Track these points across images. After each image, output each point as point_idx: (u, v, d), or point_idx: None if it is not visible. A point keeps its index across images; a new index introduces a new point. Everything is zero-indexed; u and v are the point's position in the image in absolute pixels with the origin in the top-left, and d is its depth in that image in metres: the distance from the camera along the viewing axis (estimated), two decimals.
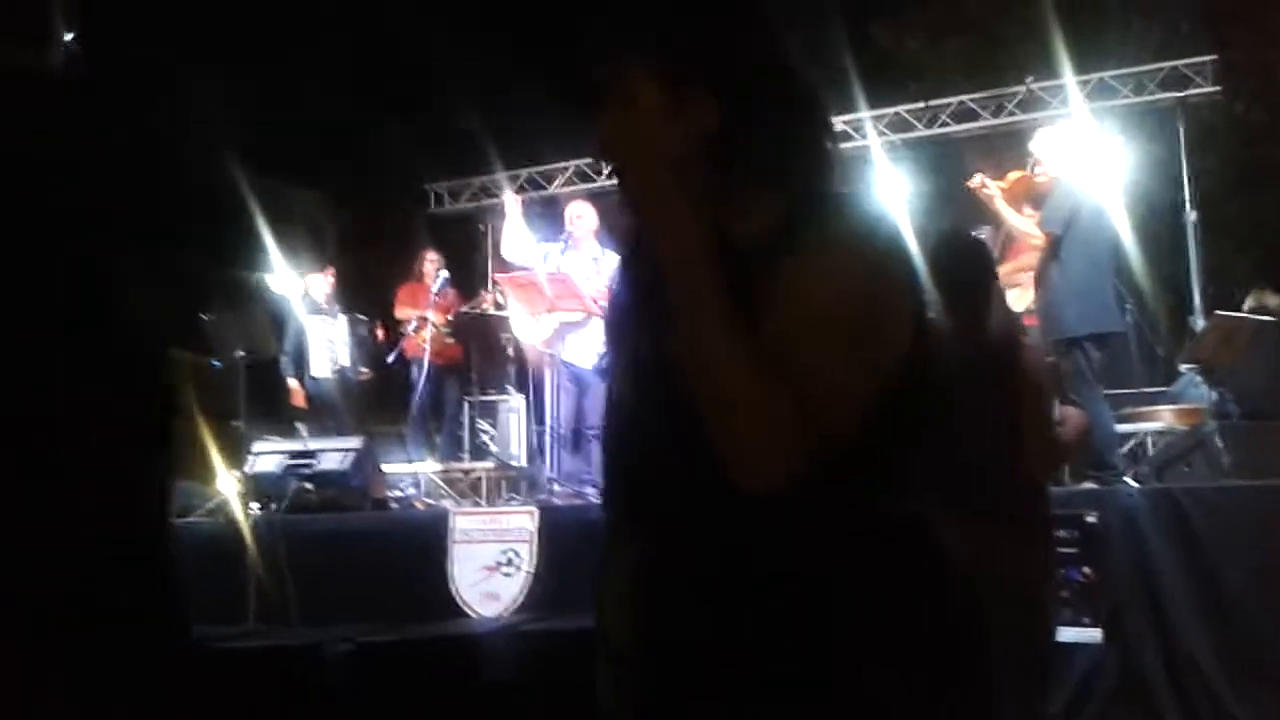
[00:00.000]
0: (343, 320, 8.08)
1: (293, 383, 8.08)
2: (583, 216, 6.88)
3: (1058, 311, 5.46)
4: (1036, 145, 5.93)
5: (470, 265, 10.37)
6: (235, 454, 7.06)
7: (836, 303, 1.29)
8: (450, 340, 8.33)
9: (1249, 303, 7.83)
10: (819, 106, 1.47)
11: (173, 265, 1.85)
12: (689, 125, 1.38)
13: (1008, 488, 3.39)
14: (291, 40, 10.94)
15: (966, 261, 3.66)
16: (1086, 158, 5.88)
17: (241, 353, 7.53)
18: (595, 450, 6.18)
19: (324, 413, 7.98)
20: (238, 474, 6.56)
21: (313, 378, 7.94)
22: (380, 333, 8.54)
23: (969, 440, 3.40)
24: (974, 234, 4.63)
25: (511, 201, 7.52)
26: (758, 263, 1.33)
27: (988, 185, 5.88)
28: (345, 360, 8.00)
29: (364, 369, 8.18)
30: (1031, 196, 6.04)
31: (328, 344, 7.96)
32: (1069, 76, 9.46)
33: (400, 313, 8.49)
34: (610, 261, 6.83)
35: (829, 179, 1.45)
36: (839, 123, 10.19)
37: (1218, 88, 9.30)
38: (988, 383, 3.43)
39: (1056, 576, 3.49)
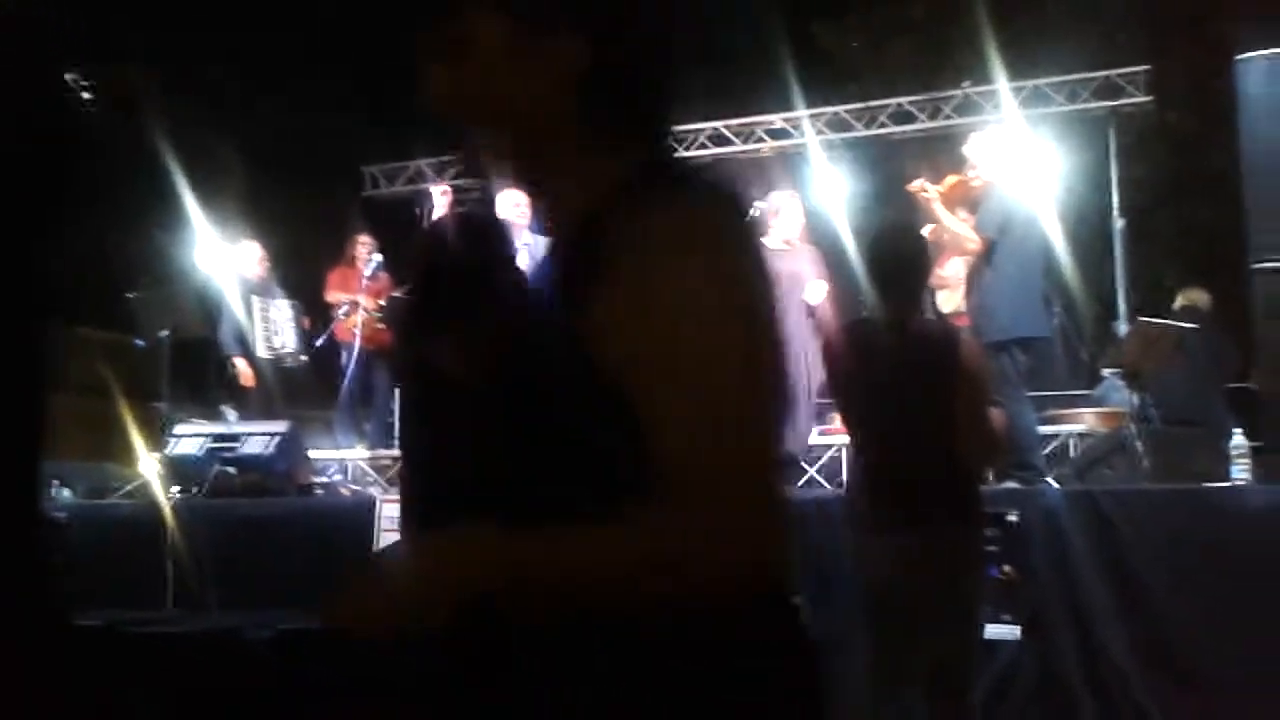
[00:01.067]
0: (284, 303, 7.96)
1: (240, 362, 7.90)
2: (517, 205, 6.84)
3: (989, 314, 5.52)
4: (970, 150, 6.00)
5: (405, 250, 10.25)
6: (157, 435, 6.93)
7: (702, 333, 1.03)
8: (382, 326, 8.23)
9: (1179, 301, 8.00)
10: (676, 54, 1.24)
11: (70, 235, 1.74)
12: (551, 70, 1.15)
13: (942, 482, 3.42)
14: (221, 15, 10.73)
15: (910, 251, 3.73)
16: (1019, 163, 5.96)
17: (165, 332, 7.37)
18: None
19: (260, 395, 7.85)
20: (158, 456, 6.43)
21: (257, 358, 7.81)
22: (305, 320, 8.40)
23: (901, 433, 3.44)
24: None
25: (439, 194, 7.47)
26: (590, 249, 1.10)
27: (927, 189, 5.94)
28: (290, 343, 7.88)
29: (304, 355, 8.07)
30: (966, 200, 6.10)
31: (262, 324, 7.83)
32: (1003, 83, 9.58)
33: (331, 297, 8.36)
34: (540, 248, 6.82)
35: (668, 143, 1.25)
36: (777, 120, 10.35)
37: (1149, 97, 9.48)
38: (924, 374, 3.47)
39: (985, 573, 3.53)
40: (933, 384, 3.48)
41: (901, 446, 3.45)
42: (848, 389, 3.67)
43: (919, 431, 3.43)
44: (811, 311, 6.31)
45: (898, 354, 3.53)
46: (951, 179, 6.26)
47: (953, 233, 5.77)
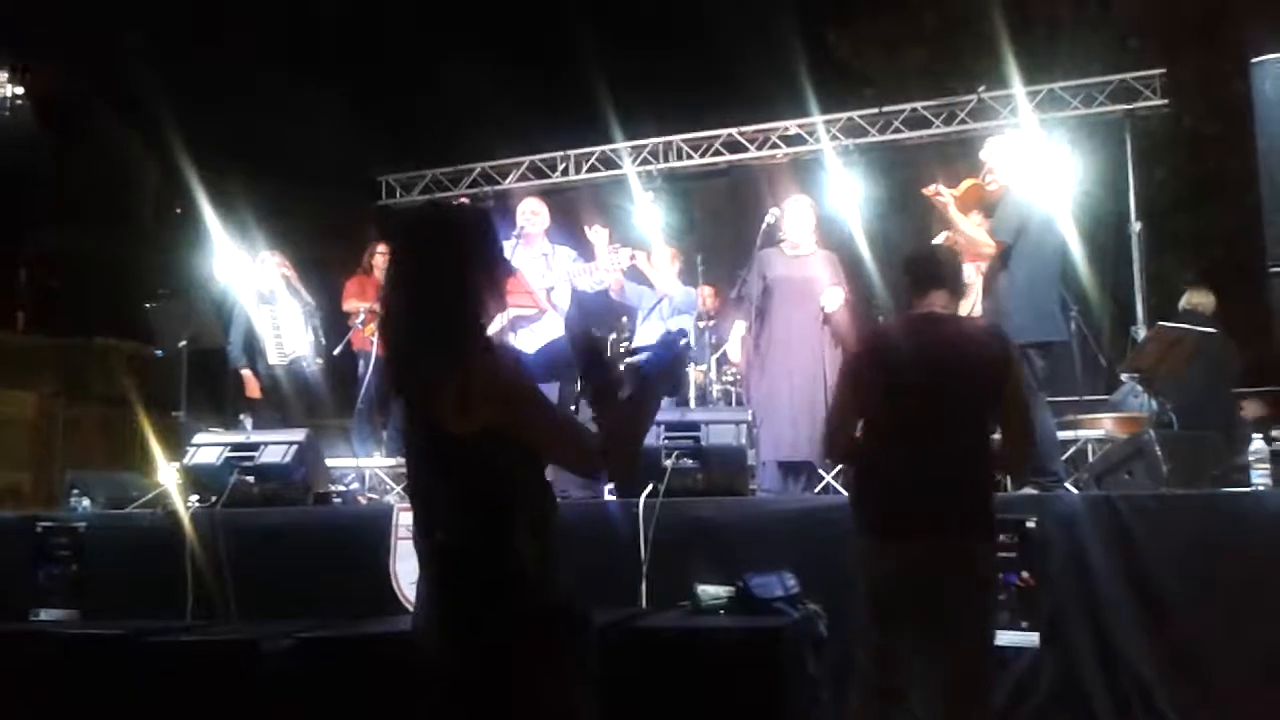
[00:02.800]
0: (295, 308, 7.98)
1: (246, 373, 7.94)
2: (535, 213, 6.84)
3: (1004, 319, 5.50)
4: (988, 154, 5.98)
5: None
6: (176, 445, 6.96)
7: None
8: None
9: (1183, 303, 7.98)
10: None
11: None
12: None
13: (960, 487, 3.38)
14: (240, 26, 10.80)
15: (946, 253, 3.77)
16: (1036, 167, 5.94)
17: (184, 342, 7.41)
18: None
19: (276, 403, 7.87)
20: (177, 465, 6.45)
21: (268, 365, 7.84)
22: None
23: (924, 436, 3.41)
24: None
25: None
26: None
27: (942, 192, 5.92)
28: (303, 349, 7.89)
29: (319, 359, 8.09)
30: (982, 204, 6.08)
31: (273, 332, 7.86)
32: (1018, 87, 9.58)
33: (348, 305, 8.40)
34: (560, 258, 6.81)
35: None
36: (792, 126, 10.35)
37: (1165, 101, 9.46)
38: (954, 375, 3.43)
39: (998, 582, 3.48)
40: (963, 385, 3.41)
41: (923, 449, 3.36)
42: (871, 390, 3.54)
43: (942, 434, 3.35)
44: (827, 318, 6.30)
45: (927, 355, 3.45)
46: (967, 183, 6.24)
47: (968, 237, 5.75)
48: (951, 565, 3.30)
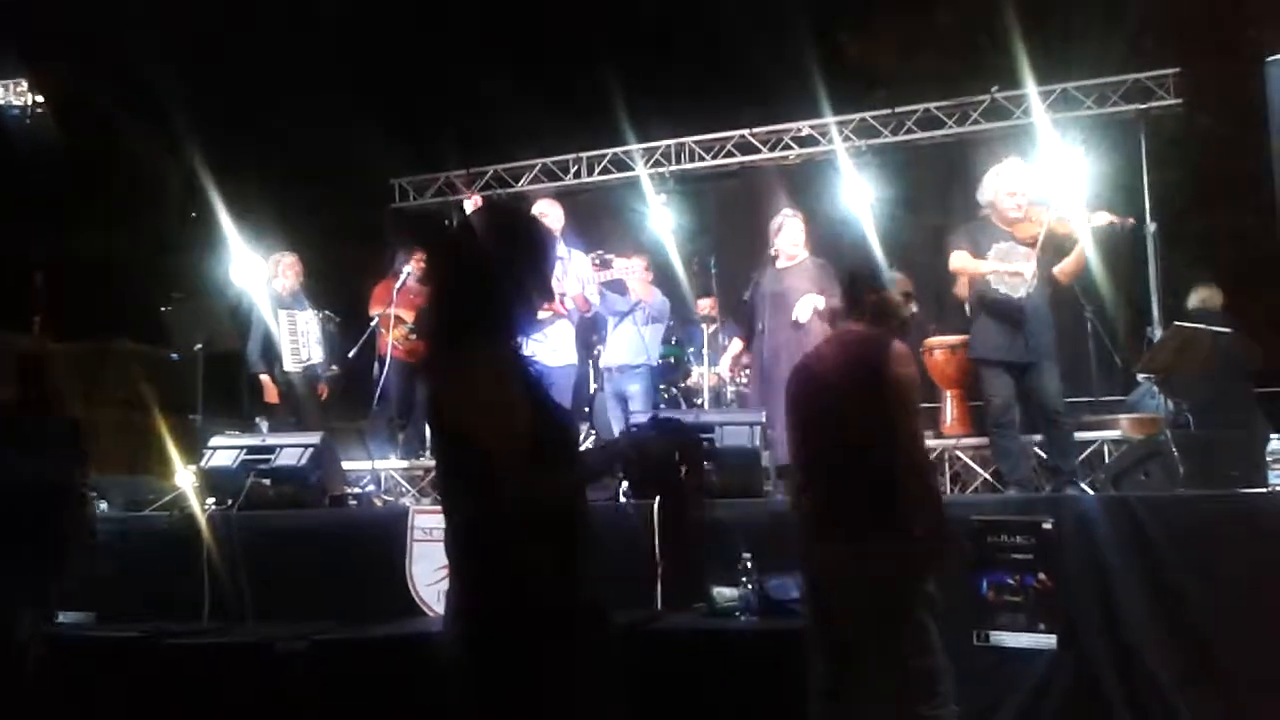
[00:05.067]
0: (311, 315, 7.99)
1: (264, 378, 7.95)
2: (547, 215, 6.82)
3: (1044, 337, 5.55)
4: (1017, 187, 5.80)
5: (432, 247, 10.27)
6: (192, 447, 6.98)
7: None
8: (416, 337, 8.25)
9: (1192, 300, 7.94)
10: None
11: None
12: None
13: (869, 490, 3.49)
14: (253, 29, 10.82)
15: (856, 269, 3.96)
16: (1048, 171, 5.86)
17: (199, 345, 7.43)
18: None
19: (292, 408, 7.89)
20: (194, 468, 6.48)
21: (283, 371, 7.85)
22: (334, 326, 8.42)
23: (828, 442, 3.60)
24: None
25: (470, 206, 7.49)
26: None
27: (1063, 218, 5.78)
28: (317, 356, 7.91)
29: (334, 366, 8.10)
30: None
31: (290, 338, 7.87)
32: (1032, 87, 9.55)
33: (374, 310, 8.40)
34: (576, 262, 6.81)
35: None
36: (805, 127, 10.33)
37: (1179, 100, 9.41)
38: (848, 384, 3.60)
39: (921, 582, 3.50)
40: (848, 397, 3.58)
41: (829, 456, 3.61)
42: (791, 401, 3.85)
43: (844, 444, 3.56)
44: (801, 327, 6.33)
45: (826, 365, 3.74)
46: (1044, 228, 5.98)
47: (1080, 259, 5.63)
48: (865, 564, 3.45)
